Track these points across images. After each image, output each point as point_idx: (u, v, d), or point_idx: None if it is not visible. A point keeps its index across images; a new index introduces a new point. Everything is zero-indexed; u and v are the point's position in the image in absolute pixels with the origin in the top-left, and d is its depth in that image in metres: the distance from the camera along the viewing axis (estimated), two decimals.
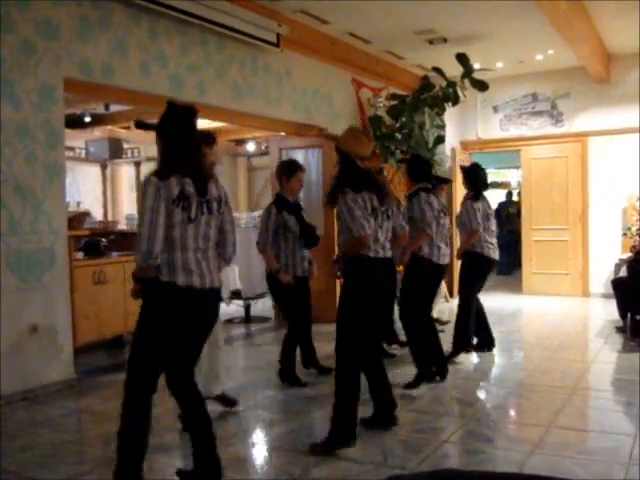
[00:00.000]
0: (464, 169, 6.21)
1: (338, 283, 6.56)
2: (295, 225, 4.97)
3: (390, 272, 3.97)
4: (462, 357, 5.75)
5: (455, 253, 6.31)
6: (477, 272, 5.96)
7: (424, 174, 5.27)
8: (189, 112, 3.08)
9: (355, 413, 3.73)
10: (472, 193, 5.97)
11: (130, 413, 3.03)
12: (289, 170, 5.08)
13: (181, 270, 2.93)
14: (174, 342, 3.01)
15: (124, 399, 3.02)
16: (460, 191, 8.89)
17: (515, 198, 13.45)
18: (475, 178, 5.99)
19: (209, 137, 3.30)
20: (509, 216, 12.71)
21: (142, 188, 2.94)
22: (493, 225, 6.03)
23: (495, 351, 6.09)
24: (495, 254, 5.98)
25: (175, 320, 2.97)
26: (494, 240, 6.01)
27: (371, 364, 3.96)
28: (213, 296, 3.10)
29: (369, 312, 3.79)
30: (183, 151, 2.99)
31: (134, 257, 2.95)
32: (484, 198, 6.02)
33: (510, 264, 12.57)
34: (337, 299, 4.15)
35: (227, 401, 4.34)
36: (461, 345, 5.80)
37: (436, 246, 5.09)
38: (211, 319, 3.16)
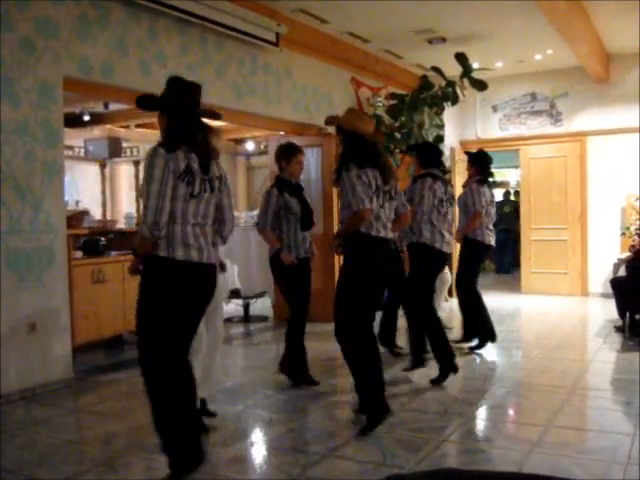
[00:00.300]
0: (470, 154, 6.25)
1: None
2: (297, 206, 4.87)
3: (391, 252, 4.00)
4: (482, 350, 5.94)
5: (455, 236, 6.34)
6: (476, 260, 6.10)
7: (435, 160, 5.26)
8: (194, 88, 3.11)
9: (377, 385, 3.86)
10: (478, 177, 6.02)
11: (158, 382, 3.04)
12: (288, 153, 4.94)
13: (180, 244, 2.96)
14: (172, 316, 3.01)
15: (145, 379, 3.05)
16: (459, 186, 8.88)
17: (512, 197, 13.47)
18: (482, 163, 6.05)
19: (215, 114, 3.34)
20: (503, 215, 12.72)
21: (148, 158, 2.93)
22: (494, 212, 6.12)
23: (494, 350, 6.10)
24: (492, 240, 6.12)
25: (174, 294, 2.98)
26: (492, 227, 6.10)
27: (367, 345, 3.97)
28: (210, 270, 3.12)
29: (368, 291, 3.81)
30: (189, 125, 2.99)
31: (138, 229, 2.98)
32: (489, 184, 6.08)
33: (506, 263, 12.61)
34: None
35: (205, 411, 4.04)
36: (484, 336, 5.95)
37: (438, 233, 5.06)
38: (209, 293, 3.17)
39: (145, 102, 3.17)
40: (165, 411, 3.06)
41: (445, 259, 5.34)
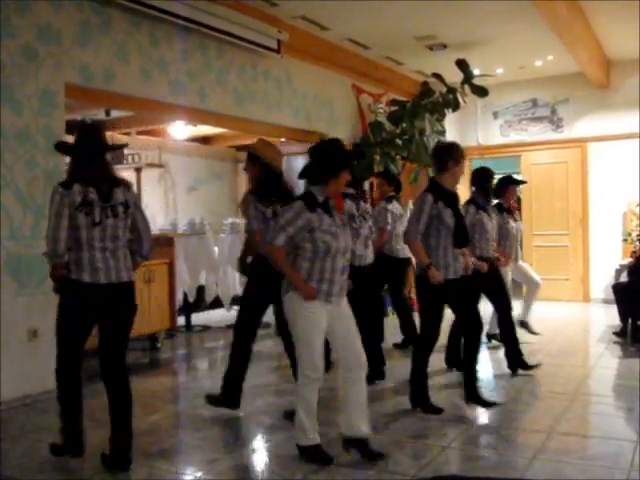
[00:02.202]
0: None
1: None
2: (451, 219, 4.25)
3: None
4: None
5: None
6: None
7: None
8: (93, 128, 3.52)
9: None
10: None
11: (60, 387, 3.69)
12: (460, 155, 4.35)
13: (88, 268, 3.28)
14: (77, 331, 3.45)
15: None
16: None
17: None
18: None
19: (119, 146, 3.98)
20: None
21: (50, 196, 3.29)
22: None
23: (496, 356, 6.10)
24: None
25: (80, 313, 3.37)
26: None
27: None
28: (122, 288, 3.40)
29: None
30: (86, 163, 3.34)
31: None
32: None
33: None
34: None
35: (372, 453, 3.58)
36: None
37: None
38: (123, 308, 3.47)
39: (59, 148, 3.60)
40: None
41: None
